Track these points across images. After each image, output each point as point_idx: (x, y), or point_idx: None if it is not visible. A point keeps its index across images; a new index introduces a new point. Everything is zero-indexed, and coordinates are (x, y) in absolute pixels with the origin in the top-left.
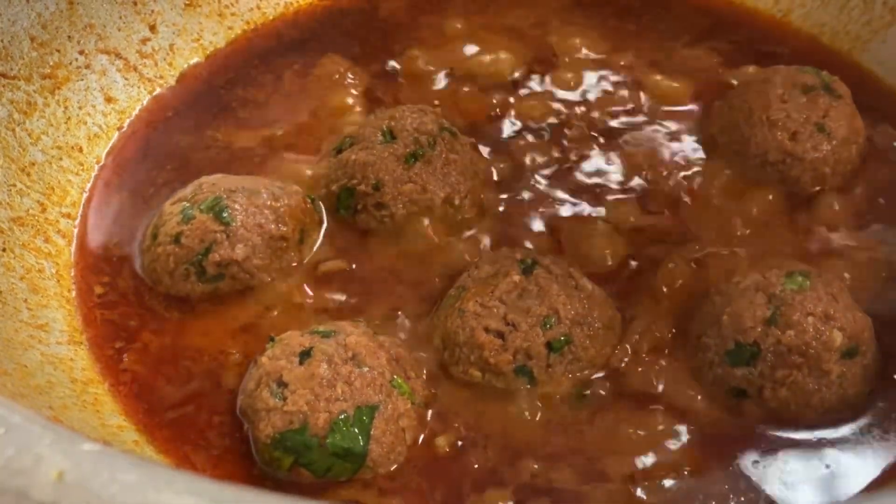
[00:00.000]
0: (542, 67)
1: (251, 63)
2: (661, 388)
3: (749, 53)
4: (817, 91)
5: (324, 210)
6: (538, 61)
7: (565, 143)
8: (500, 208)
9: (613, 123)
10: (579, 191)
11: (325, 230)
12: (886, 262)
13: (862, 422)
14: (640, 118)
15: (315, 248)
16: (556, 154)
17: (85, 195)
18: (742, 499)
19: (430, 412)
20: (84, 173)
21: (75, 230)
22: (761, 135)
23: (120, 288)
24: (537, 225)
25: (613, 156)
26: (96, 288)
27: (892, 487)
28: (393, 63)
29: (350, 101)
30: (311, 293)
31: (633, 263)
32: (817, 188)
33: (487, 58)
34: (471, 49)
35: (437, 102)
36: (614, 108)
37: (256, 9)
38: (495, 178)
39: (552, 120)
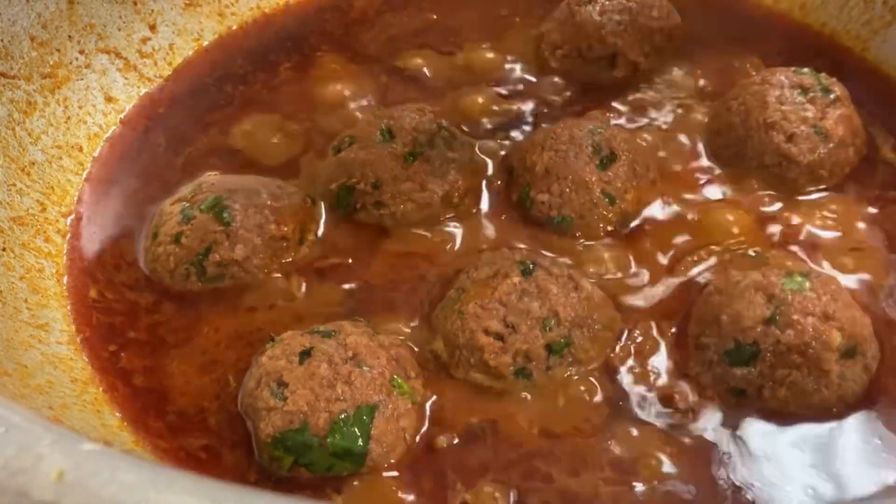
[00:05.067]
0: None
1: (248, 60)
2: (660, 387)
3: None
4: (815, 93)
5: (323, 209)
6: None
7: None
8: (500, 207)
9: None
10: None
11: (325, 229)
12: (885, 260)
13: (862, 421)
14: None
15: (315, 247)
16: None
17: (76, 195)
18: (741, 498)
19: (429, 411)
20: (84, 173)
21: (69, 231)
22: (758, 137)
23: (117, 288)
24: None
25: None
26: (93, 289)
27: (891, 488)
28: (391, 62)
29: (346, 99)
30: (311, 292)
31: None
32: (814, 189)
33: (487, 54)
34: (465, 41)
35: (434, 101)
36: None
37: (256, 8)
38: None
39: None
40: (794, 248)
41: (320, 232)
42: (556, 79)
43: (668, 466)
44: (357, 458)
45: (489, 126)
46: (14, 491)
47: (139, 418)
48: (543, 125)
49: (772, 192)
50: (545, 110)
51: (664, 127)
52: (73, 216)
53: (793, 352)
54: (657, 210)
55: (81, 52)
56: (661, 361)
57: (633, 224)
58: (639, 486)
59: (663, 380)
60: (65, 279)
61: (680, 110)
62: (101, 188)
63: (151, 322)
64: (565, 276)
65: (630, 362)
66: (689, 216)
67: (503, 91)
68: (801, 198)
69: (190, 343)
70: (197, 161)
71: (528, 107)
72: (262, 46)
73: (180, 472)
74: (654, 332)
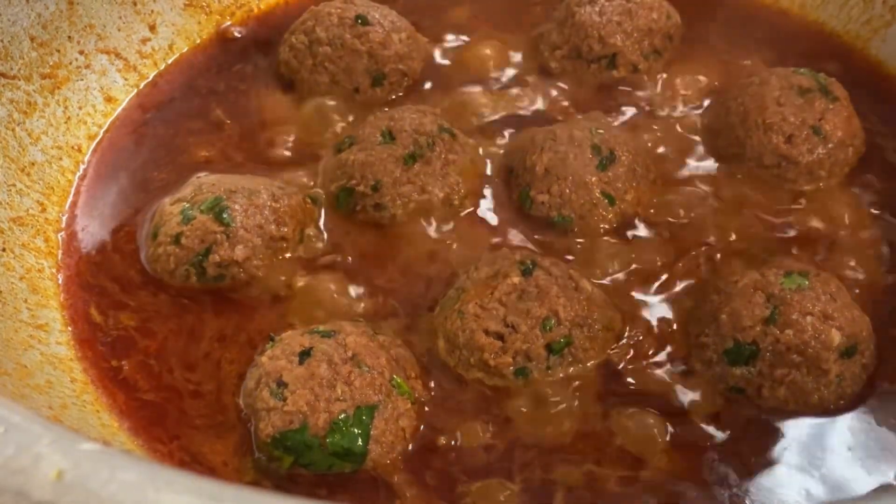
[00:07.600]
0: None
1: (245, 58)
2: (660, 387)
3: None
4: (814, 93)
5: (323, 210)
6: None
7: None
8: (500, 207)
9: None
10: None
11: (325, 230)
12: (884, 260)
13: (861, 421)
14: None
15: (314, 248)
16: None
17: (76, 195)
18: (739, 497)
19: (429, 411)
20: (84, 173)
21: (62, 231)
22: (756, 138)
23: (115, 288)
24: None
25: None
26: (91, 290)
27: (891, 487)
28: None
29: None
30: (310, 293)
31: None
32: (813, 190)
33: (484, 51)
34: (465, 43)
35: (435, 102)
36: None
37: (257, 8)
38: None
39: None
40: (794, 247)
41: (320, 232)
42: (556, 79)
43: (668, 465)
44: (357, 458)
45: (489, 127)
46: (13, 490)
47: (139, 415)
48: (543, 126)
49: (771, 193)
50: (545, 111)
51: (664, 127)
52: (72, 216)
53: (792, 351)
54: (657, 210)
55: (81, 52)
56: (660, 361)
57: (633, 224)
58: (641, 484)
59: (663, 379)
60: (61, 278)
61: (679, 111)
62: (101, 188)
63: (149, 321)
64: (565, 276)
65: (630, 362)
66: (689, 216)
67: (503, 92)
68: (800, 199)
69: (189, 342)
70: (197, 160)
71: (528, 107)
72: (262, 45)
73: (179, 472)
74: (654, 331)
